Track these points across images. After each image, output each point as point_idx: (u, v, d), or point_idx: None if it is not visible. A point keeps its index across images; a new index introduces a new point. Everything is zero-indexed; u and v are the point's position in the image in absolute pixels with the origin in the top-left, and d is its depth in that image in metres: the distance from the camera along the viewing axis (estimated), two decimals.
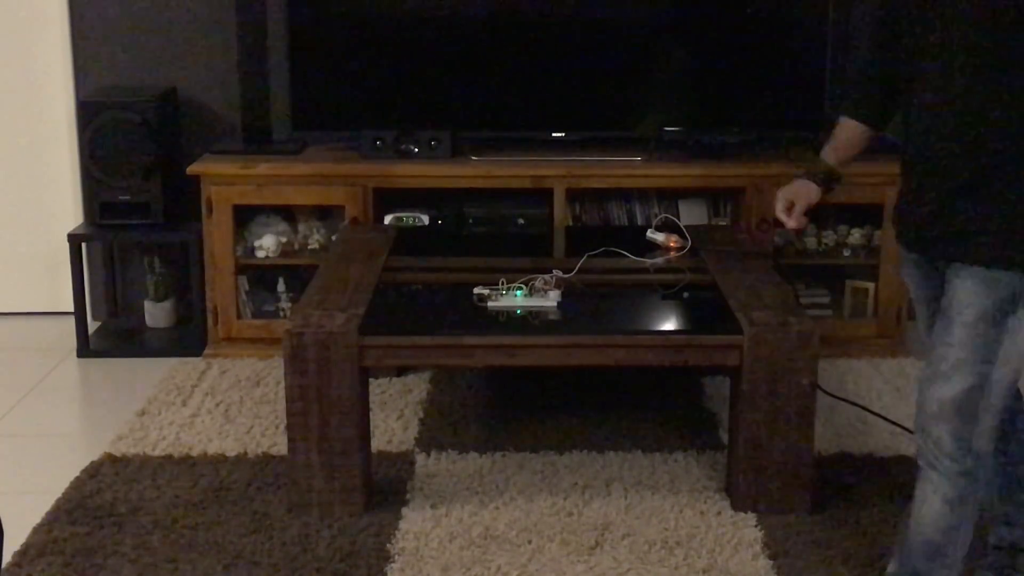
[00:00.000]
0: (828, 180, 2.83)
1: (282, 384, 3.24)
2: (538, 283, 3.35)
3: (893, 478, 3.39)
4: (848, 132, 2.79)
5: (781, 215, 2.84)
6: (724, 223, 4.37)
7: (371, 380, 3.82)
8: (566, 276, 3.44)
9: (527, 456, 3.54)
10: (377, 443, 3.56)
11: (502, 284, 3.33)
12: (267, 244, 4.35)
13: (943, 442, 2.43)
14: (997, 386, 2.40)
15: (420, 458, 3.53)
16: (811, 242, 4.38)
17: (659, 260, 3.69)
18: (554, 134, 4.46)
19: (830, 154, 2.82)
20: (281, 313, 4.42)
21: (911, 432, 3.65)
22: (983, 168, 2.38)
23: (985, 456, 2.46)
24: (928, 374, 2.46)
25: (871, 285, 4.36)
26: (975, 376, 2.39)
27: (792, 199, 2.84)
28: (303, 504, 3.18)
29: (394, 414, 3.83)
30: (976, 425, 2.41)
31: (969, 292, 2.39)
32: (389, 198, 4.32)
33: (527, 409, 3.87)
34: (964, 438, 2.42)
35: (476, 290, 3.32)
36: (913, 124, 2.53)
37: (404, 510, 3.22)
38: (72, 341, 4.45)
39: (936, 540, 2.49)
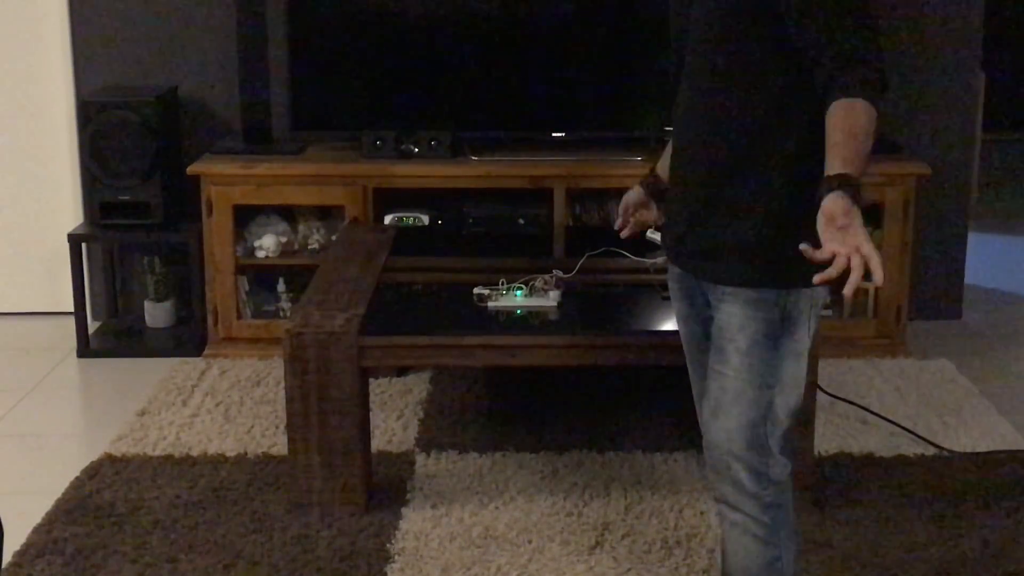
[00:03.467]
0: (649, 185, 2.61)
1: (282, 384, 3.24)
2: (538, 283, 3.35)
3: (893, 478, 3.39)
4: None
5: (618, 222, 2.68)
6: None
7: (371, 380, 3.82)
8: (566, 276, 3.44)
9: (527, 456, 3.54)
10: (377, 443, 3.56)
11: (502, 284, 3.33)
12: (267, 244, 4.35)
13: (741, 481, 2.28)
14: (782, 411, 2.28)
15: (420, 458, 3.53)
16: None
17: (659, 260, 3.68)
18: (554, 134, 4.46)
19: (662, 160, 2.60)
20: (281, 313, 4.42)
21: (911, 432, 3.67)
22: (731, 180, 2.23)
23: (786, 482, 2.33)
24: (709, 409, 2.32)
25: (871, 285, 4.36)
26: (760, 405, 2.25)
27: (624, 206, 2.66)
28: (303, 504, 3.18)
29: (394, 414, 3.83)
30: (769, 456, 2.28)
31: (738, 316, 2.24)
32: (389, 198, 4.32)
33: (527, 409, 3.87)
34: (761, 472, 2.28)
35: (476, 290, 3.32)
36: (674, 132, 2.40)
37: (404, 510, 3.22)
38: (72, 341, 4.45)
39: None
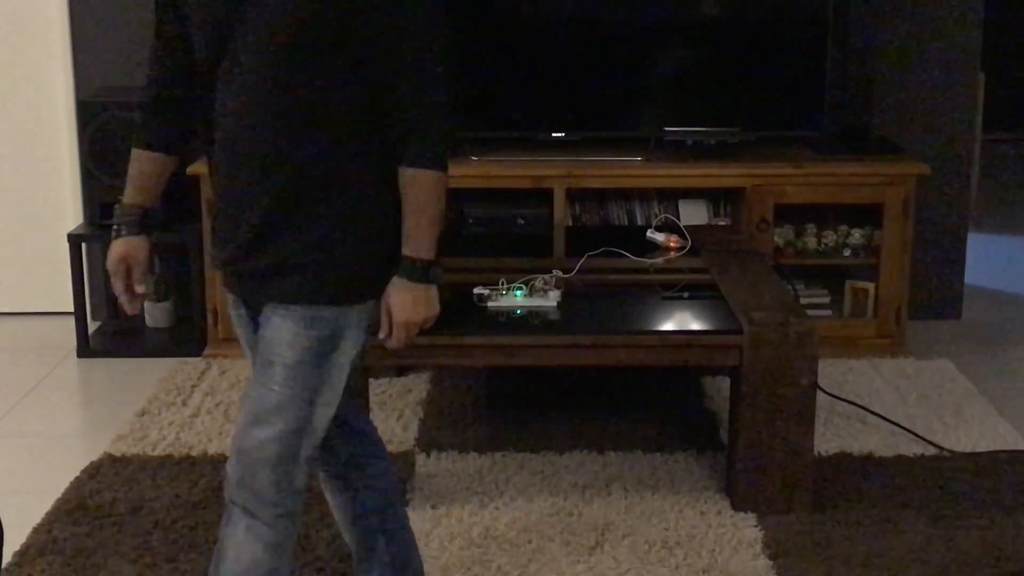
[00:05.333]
0: (145, 224, 2.39)
1: None
2: (538, 283, 3.35)
3: (893, 478, 3.39)
4: (140, 164, 2.40)
5: (122, 296, 2.37)
6: (724, 223, 4.37)
7: (371, 380, 3.82)
8: (566, 276, 3.44)
9: (527, 456, 3.54)
10: None
11: (502, 284, 3.33)
12: None
13: (263, 490, 2.26)
14: (320, 423, 2.26)
15: (420, 458, 3.53)
16: (811, 242, 4.38)
17: (659, 260, 3.69)
18: (554, 134, 4.46)
19: (133, 195, 2.39)
20: None
21: (911, 432, 3.67)
22: (291, 194, 2.16)
23: (302, 492, 2.31)
24: (247, 418, 2.27)
25: (871, 285, 4.36)
26: (297, 419, 2.23)
27: (125, 267, 2.36)
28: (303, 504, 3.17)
29: (394, 414, 3.83)
30: (296, 466, 2.26)
31: (290, 332, 2.20)
32: None
33: (527, 409, 3.87)
34: (285, 482, 2.26)
35: (476, 290, 3.32)
36: (216, 142, 2.25)
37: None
38: (72, 341, 4.45)
39: None
